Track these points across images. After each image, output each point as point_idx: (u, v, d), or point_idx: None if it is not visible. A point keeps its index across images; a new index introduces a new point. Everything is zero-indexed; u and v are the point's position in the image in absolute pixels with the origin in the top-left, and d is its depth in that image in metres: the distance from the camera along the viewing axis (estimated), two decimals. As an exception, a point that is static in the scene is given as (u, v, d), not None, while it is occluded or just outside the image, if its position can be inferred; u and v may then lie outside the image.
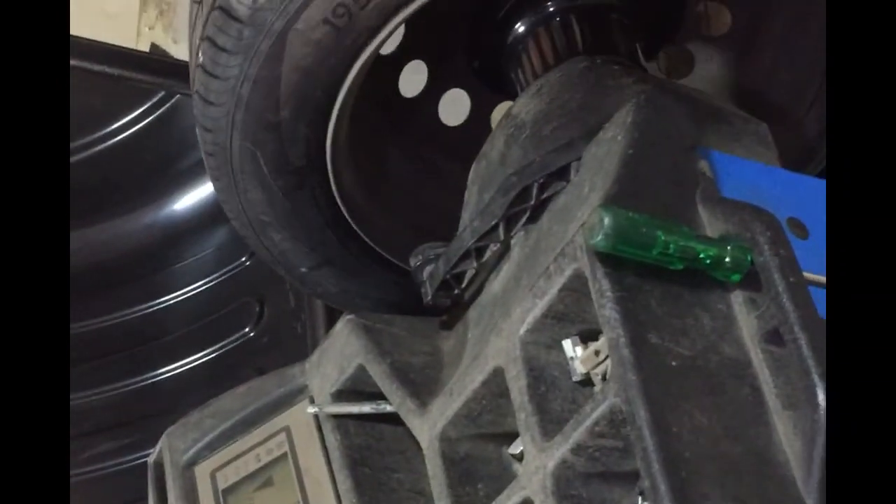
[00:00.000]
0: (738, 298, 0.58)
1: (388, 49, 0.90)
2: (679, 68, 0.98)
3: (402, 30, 0.89)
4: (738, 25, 0.94)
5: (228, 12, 0.75)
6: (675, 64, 0.98)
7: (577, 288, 0.60)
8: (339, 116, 0.79)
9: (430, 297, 0.75)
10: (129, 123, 1.27)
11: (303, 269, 0.92)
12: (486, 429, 0.67)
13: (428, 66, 0.95)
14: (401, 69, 0.92)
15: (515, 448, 0.66)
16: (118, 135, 1.27)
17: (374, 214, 0.86)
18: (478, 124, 0.97)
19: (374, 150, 0.90)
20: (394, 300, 0.92)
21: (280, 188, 0.85)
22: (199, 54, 0.78)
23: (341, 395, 0.76)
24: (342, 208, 0.86)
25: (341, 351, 0.76)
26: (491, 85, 0.91)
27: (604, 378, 0.60)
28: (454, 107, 0.78)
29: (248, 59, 0.75)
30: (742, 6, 0.93)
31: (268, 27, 0.74)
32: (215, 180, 0.86)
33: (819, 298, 0.55)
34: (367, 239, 0.90)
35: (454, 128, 0.98)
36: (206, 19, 0.76)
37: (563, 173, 0.69)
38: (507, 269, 0.71)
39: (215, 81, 0.77)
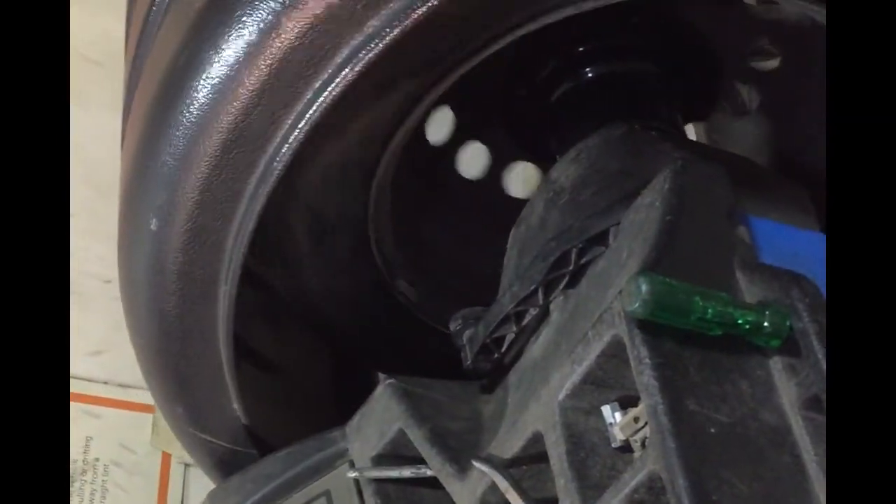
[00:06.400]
0: (777, 365, 0.58)
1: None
2: (719, 132, 0.98)
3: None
4: (780, 91, 0.94)
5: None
6: (716, 128, 0.99)
7: (615, 354, 0.59)
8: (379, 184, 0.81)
9: (469, 361, 0.76)
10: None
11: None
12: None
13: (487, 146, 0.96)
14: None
15: (555, 514, 0.66)
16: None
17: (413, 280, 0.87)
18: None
19: (413, 216, 0.91)
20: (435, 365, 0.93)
21: None
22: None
23: (381, 460, 0.76)
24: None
25: (381, 415, 0.76)
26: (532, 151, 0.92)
27: (643, 445, 0.59)
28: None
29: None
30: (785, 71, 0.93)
31: None
32: None
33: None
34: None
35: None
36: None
37: (601, 239, 0.69)
38: (546, 334, 0.71)
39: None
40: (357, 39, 0.64)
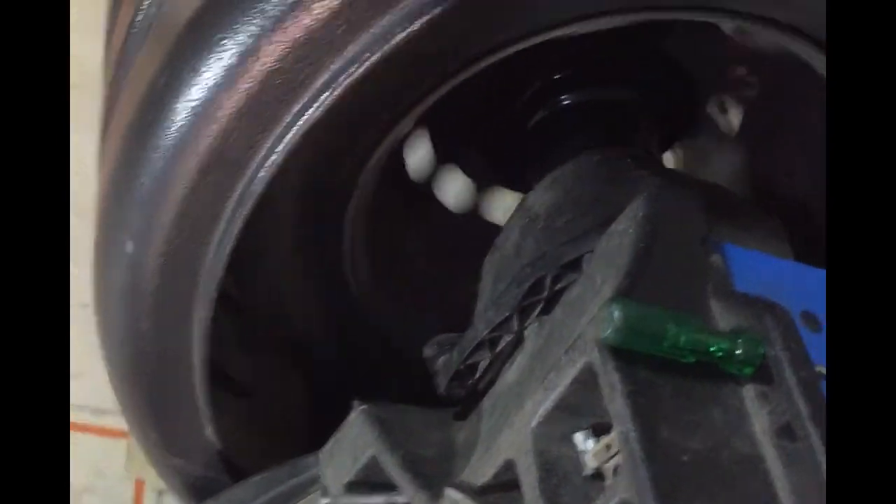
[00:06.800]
0: (749, 393, 0.58)
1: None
2: (696, 159, 0.99)
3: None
4: (756, 120, 0.95)
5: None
6: (692, 155, 0.99)
7: (588, 381, 0.59)
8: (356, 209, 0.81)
9: (443, 388, 0.76)
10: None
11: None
12: (499, 521, 0.67)
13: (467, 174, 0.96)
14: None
15: (527, 541, 0.66)
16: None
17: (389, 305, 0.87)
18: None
19: (389, 242, 0.91)
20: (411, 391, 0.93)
21: None
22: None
23: (354, 486, 0.76)
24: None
25: (354, 441, 0.75)
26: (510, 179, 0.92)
27: (615, 472, 0.59)
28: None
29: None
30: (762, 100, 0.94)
31: None
32: None
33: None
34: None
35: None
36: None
37: (576, 265, 0.69)
38: (520, 360, 0.71)
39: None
40: (337, 64, 0.65)
